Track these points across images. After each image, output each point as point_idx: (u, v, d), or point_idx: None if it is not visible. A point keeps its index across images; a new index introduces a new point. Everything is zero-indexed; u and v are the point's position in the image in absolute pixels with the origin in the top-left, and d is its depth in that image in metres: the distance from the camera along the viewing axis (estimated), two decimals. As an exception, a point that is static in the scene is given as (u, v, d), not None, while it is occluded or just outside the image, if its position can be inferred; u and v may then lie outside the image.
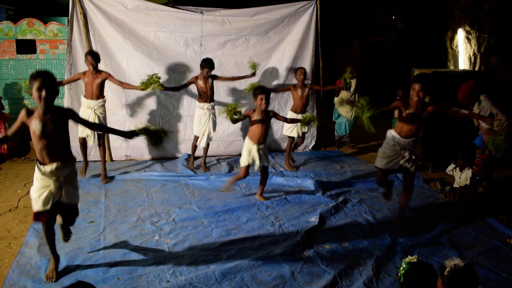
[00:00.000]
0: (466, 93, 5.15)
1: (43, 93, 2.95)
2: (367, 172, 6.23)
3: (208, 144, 6.20)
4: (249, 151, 4.80)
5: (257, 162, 4.80)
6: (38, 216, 3.19)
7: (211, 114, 6.04)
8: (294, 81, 7.13)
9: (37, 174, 3.13)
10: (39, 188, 3.12)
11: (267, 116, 4.77)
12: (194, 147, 6.24)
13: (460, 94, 5.22)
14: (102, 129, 3.87)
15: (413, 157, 4.09)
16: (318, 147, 7.64)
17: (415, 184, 5.70)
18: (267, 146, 7.25)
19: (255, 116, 4.72)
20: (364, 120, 3.79)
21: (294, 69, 6.71)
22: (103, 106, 5.63)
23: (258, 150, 4.79)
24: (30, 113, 3.02)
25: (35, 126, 3.00)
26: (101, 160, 5.68)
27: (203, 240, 4.00)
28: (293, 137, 6.48)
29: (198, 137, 6.13)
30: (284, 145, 7.39)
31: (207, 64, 5.87)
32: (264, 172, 4.96)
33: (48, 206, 3.13)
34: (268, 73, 7.05)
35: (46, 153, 3.08)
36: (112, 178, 5.69)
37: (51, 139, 3.07)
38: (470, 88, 5.11)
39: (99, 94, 5.56)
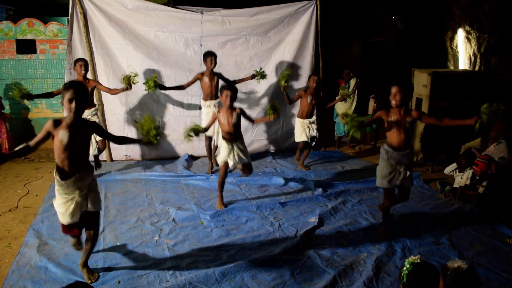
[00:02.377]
0: (496, 131, 5.41)
1: (73, 105, 2.97)
2: (367, 172, 6.23)
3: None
4: (224, 150, 4.73)
5: (230, 160, 4.70)
6: (67, 229, 3.18)
7: None
8: (295, 82, 7.15)
9: (59, 189, 3.08)
10: (64, 202, 3.08)
11: (234, 113, 4.68)
12: (209, 147, 6.15)
13: (494, 130, 5.46)
14: (124, 140, 3.80)
15: (408, 172, 3.89)
16: (318, 147, 7.63)
17: (415, 184, 5.72)
18: (267, 146, 7.31)
19: (221, 115, 4.67)
20: (352, 131, 3.82)
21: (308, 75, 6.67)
22: (96, 114, 5.68)
23: (232, 148, 4.71)
24: (57, 123, 3.00)
25: (62, 136, 2.98)
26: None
27: (203, 240, 4.00)
28: (305, 141, 6.34)
29: (210, 137, 6.08)
30: (284, 145, 7.38)
31: (210, 54, 5.85)
32: (245, 169, 4.84)
33: (76, 218, 3.11)
34: (268, 73, 7.04)
35: (68, 164, 3.04)
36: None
37: (76, 150, 3.06)
38: (499, 126, 5.38)
39: (90, 103, 5.55)
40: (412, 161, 3.99)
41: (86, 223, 3.27)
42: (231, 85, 4.72)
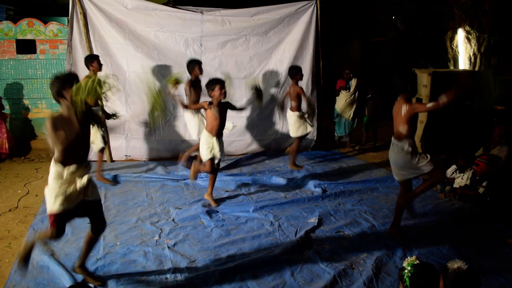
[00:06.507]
0: (499, 135, 5.45)
1: None
2: (367, 172, 6.23)
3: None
4: (208, 144, 4.71)
5: (218, 155, 4.72)
6: (56, 220, 2.96)
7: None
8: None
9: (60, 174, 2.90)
10: (63, 186, 2.90)
11: (223, 107, 4.69)
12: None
13: (496, 135, 5.51)
14: None
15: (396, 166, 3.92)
16: (318, 147, 7.63)
17: (414, 184, 5.70)
18: (267, 146, 7.31)
19: (213, 108, 4.64)
20: None
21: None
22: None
23: (218, 142, 4.72)
24: None
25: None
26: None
27: (203, 240, 4.00)
28: (301, 137, 6.35)
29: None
30: (283, 145, 7.37)
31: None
32: (218, 167, 4.96)
33: (71, 205, 2.95)
34: (268, 73, 7.05)
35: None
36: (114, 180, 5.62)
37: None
38: (501, 130, 5.46)
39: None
40: (404, 156, 3.83)
41: (90, 215, 3.16)
42: (219, 79, 4.75)
